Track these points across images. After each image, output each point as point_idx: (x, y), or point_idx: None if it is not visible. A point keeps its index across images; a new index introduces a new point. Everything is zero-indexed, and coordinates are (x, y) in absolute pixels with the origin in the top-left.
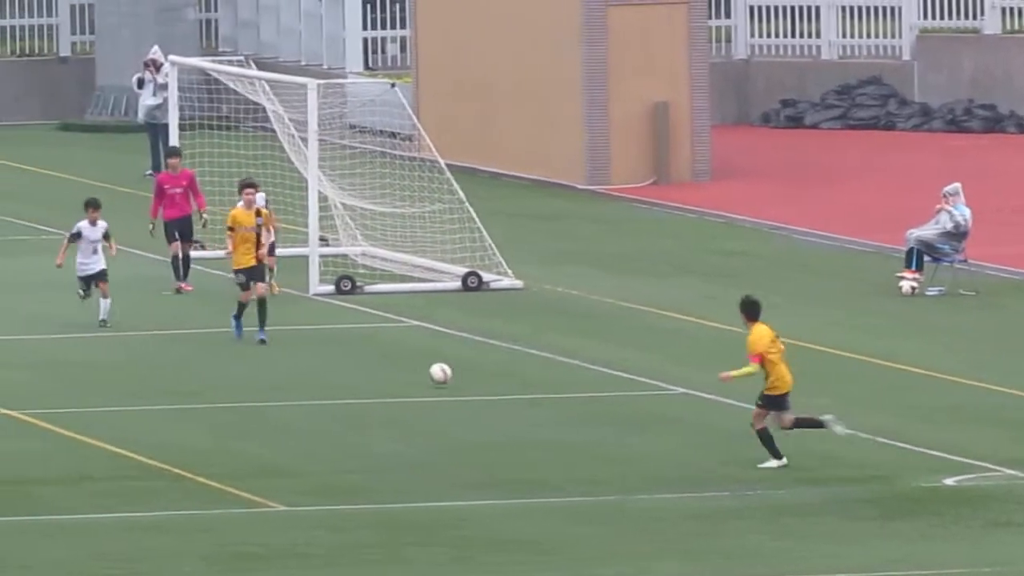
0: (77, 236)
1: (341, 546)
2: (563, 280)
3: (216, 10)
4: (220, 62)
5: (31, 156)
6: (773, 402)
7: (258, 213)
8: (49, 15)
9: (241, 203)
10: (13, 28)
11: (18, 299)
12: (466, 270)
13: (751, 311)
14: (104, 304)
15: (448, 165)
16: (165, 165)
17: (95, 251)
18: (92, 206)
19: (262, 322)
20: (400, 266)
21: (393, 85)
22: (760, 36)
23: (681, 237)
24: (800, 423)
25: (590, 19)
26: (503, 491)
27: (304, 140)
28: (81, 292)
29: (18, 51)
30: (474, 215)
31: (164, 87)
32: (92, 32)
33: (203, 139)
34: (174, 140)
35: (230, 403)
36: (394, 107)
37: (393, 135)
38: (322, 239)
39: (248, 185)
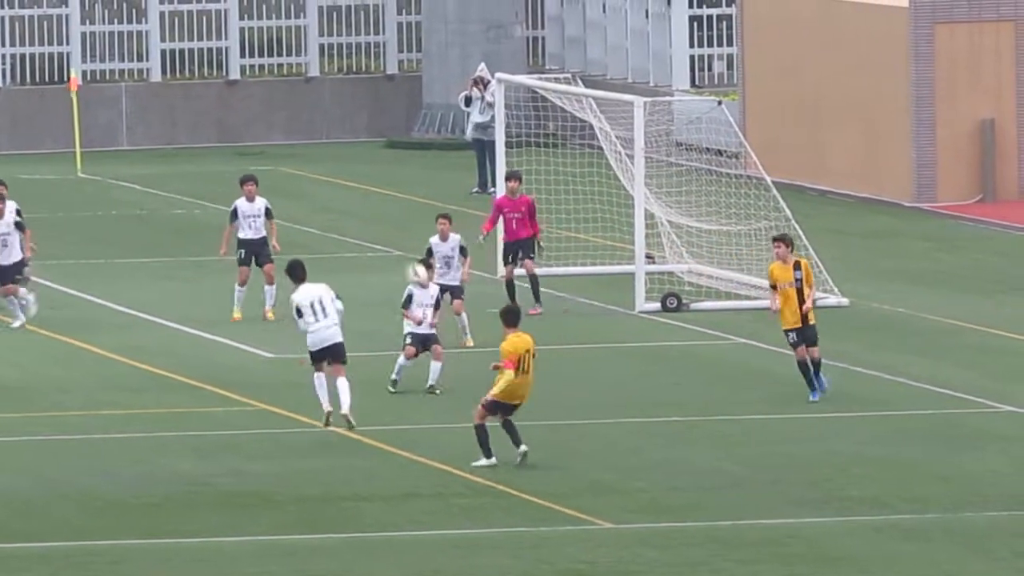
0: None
1: (668, 563)
2: (889, 297)
3: (543, 28)
4: (547, 79)
5: (357, 173)
6: (496, 408)
7: (796, 265)
8: (376, 33)
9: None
10: (340, 46)
11: (346, 316)
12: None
13: (508, 318)
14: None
15: (774, 183)
16: (491, 183)
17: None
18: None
19: (816, 375)
20: (726, 283)
21: (720, 103)
22: None
23: (1008, 255)
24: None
25: (918, 37)
26: (830, 508)
27: (630, 157)
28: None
29: (345, 68)
30: (800, 232)
31: (492, 105)
32: (419, 50)
33: (530, 156)
34: (501, 157)
35: (555, 420)
36: (721, 124)
37: (719, 153)
38: (648, 256)
39: (779, 240)
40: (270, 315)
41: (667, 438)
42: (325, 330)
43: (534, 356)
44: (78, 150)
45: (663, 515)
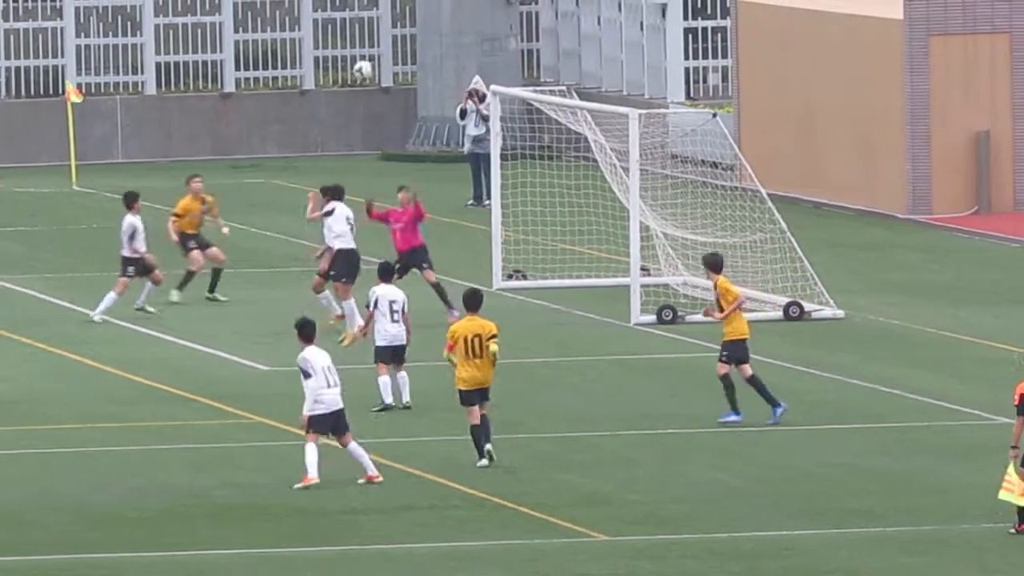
0: None
1: (664, 575)
2: (885, 309)
3: (538, 40)
4: (542, 92)
5: (352, 186)
6: (464, 397)
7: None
8: (371, 46)
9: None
10: (335, 59)
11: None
12: (787, 300)
13: (466, 302)
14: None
15: (769, 195)
16: (486, 196)
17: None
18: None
19: (765, 396)
20: None
21: (715, 115)
22: None
23: (1003, 267)
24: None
25: (913, 49)
26: (826, 520)
27: (626, 170)
28: None
29: (340, 81)
30: (795, 245)
31: (487, 118)
32: (414, 63)
33: (525, 168)
34: (496, 170)
35: (551, 433)
36: (716, 137)
37: (714, 165)
38: (643, 269)
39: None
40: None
41: (663, 450)
42: (334, 395)
43: (491, 339)
44: (73, 163)
45: (659, 527)
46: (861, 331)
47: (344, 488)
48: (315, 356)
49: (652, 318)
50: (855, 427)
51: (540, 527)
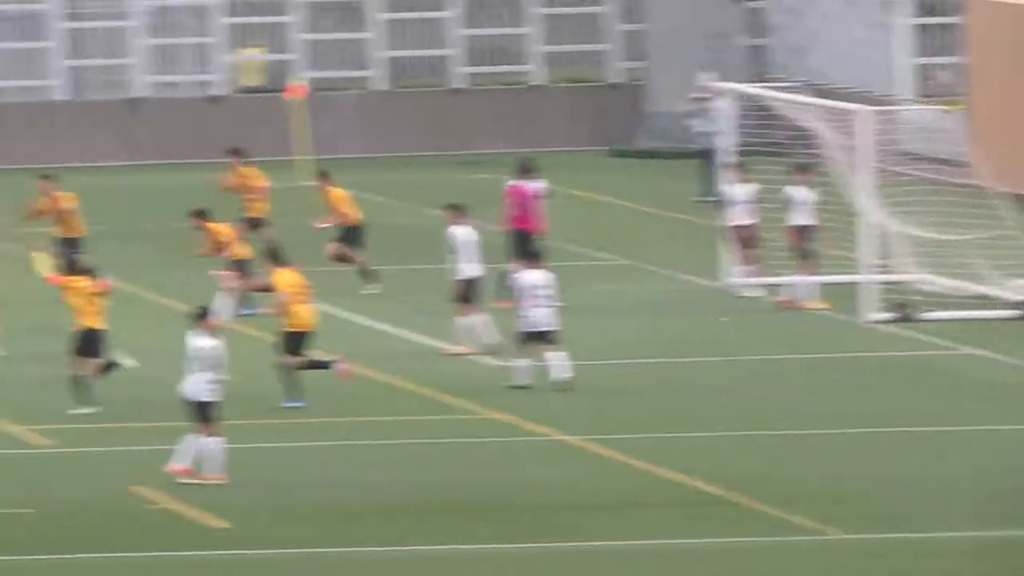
0: None
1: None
2: None
3: (766, 36)
4: (771, 88)
5: (582, 182)
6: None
7: None
8: (600, 42)
9: None
10: (564, 54)
11: (587, 323)
12: (1022, 298)
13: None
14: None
15: (1003, 192)
16: (714, 192)
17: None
18: None
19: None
20: (956, 293)
21: (946, 112)
22: None
23: None
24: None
25: None
26: None
27: (857, 167)
28: None
29: (569, 77)
30: None
31: (716, 114)
32: (643, 58)
33: (755, 165)
34: (724, 166)
35: (786, 430)
36: (947, 134)
37: (946, 162)
38: (878, 267)
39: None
40: None
41: (900, 448)
42: None
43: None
44: (304, 158)
45: (896, 526)
46: None
47: (574, 484)
48: None
49: (886, 315)
50: None
51: (777, 525)
